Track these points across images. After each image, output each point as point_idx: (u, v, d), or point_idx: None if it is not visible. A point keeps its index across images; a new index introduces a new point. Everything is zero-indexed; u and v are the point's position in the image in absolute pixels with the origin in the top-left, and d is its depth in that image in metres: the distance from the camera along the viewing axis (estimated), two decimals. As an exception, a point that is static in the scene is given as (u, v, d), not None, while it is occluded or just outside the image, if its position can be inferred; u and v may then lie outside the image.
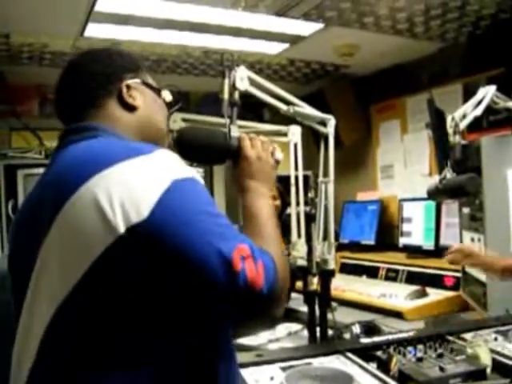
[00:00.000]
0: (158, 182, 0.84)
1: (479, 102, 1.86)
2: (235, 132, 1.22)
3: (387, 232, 3.61)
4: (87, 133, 0.99)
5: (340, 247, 3.55)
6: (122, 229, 0.81)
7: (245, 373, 1.32)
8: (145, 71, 1.15)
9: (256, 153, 1.18)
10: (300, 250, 1.72)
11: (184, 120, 1.54)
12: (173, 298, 0.85)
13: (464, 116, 1.79)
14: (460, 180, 1.67)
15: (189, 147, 1.24)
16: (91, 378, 0.84)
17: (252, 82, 1.46)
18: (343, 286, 2.80)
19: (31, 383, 0.88)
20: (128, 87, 1.08)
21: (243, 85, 1.40)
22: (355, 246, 3.65)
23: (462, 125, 1.76)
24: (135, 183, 0.84)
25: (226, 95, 1.37)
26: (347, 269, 3.33)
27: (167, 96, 1.18)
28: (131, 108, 1.07)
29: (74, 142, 0.98)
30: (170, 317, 0.87)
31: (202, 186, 0.91)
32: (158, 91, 1.15)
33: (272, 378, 1.28)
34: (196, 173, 0.92)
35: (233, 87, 1.38)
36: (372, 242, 3.58)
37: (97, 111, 1.05)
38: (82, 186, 0.84)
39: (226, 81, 1.38)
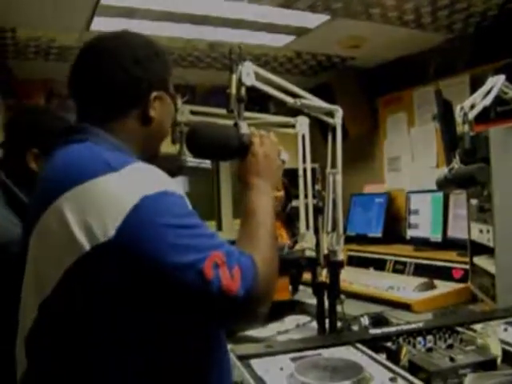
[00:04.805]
0: (126, 200, 0.84)
1: (488, 92, 1.84)
2: (245, 129, 1.21)
3: (394, 224, 3.61)
4: (76, 135, 0.99)
5: (347, 240, 3.50)
6: (87, 247, 0.83)
7: (254, 363, 1.32)
8: (172, 76, 1.11)
9: (264, 150, 1.18)
10: (309, 241, 1.73)
11: (192, 112, 1.54)
12: (149, 307, 0.87)
13: (473, 106, 1.78)
14: (470, 169, 1.66)
15: (201, 145, 1.22)
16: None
17: (258, 77, 1.45)
18: (350, 278, 2.79)
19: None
20: (155, 98, 1.04)
21: (249, 80, 1.40)
22: (362, 239, 3.65)
23: (471, 114, 1.74)
24: (103, 202, 0.84)
25: (233, 90, 1.36)
26: (354, 262, 3.32)
27: (179, 102, 1.17)
28: (148, 121, 1.04)
29: (63, 144, 0.98)
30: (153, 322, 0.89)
31: (176, 198, 0.90)
32: (173, 97, 1.12)
33: (282, 369, 1.28)
34: (173, 184, 0.91)
35: (239, 82, 1.37)
36: (379, 235, 3.57)
37: (115, 122, 1.02)
38: (56, 199, 0.87)
39: (234, 76, 1.37)
